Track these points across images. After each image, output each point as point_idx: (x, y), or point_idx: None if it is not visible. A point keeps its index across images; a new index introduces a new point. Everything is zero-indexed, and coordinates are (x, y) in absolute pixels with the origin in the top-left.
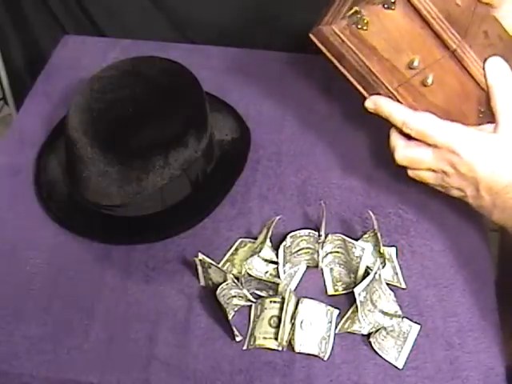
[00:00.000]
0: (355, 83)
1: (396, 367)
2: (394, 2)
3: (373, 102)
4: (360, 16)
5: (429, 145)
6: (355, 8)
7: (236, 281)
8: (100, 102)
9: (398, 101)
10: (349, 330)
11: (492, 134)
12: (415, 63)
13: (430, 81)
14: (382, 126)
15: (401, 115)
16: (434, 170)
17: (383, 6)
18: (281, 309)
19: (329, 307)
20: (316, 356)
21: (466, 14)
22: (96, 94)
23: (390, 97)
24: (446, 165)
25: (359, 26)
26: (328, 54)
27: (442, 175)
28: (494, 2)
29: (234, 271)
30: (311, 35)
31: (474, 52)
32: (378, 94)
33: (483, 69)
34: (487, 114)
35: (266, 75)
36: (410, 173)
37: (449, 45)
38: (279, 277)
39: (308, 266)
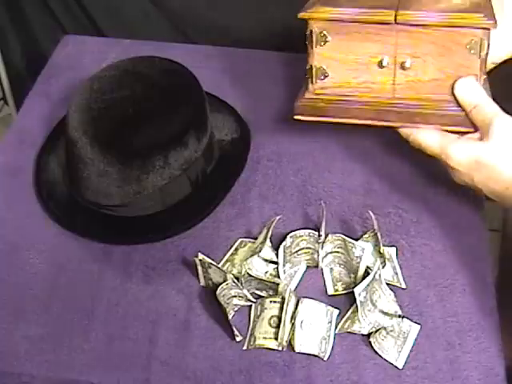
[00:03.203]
0: (364, 122)
1: (396, 367)
2: (324, 35)
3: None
4: (315, 68)
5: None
6: (309, 64)
7: (236, 281)
8: (100, 101)
9: (407, 104)
10: (349, 330)
11: (483, 143)
12: (384, 62)
13: (408, 64)
14: (381, 127)
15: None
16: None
17: (320, 45)
18: (281, 309)
19: (329, 307)
20: (316, 356)
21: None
22: (96, 94)
23: (395, 107)
24: (450, 169)
25: (322, 77)
26: (319, 119)
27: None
28: None
29: (234, 271)
30: (296, 117)
31: (415, 9)
32: (388, 113)
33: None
34: (475, 45)
35: (266, 75)
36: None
37: (387, 20)
38: (279, 277)
39: (308, 266)
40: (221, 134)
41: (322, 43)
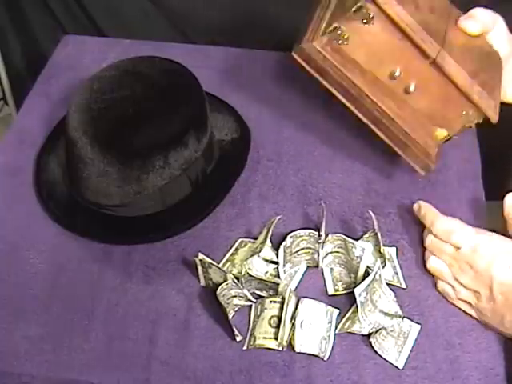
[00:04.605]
0: (340, 97)
1: (396, 367)
2: (372, 17)
3: (418, 206)
4: (340, 32)
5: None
6: (335, 24)
7: (236, 281)
8: (100, 102)
9: (383, 110)
10: (349, 331)
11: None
12: (396, 73)
13: (412, 89)
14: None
15: (430, 217)
16: (451, 264)
17: (362, 21)
18: (281, 309)
19: (329, 307)
20: (316, 356)
21: (441, 21)
22: (96, 94)
23: (375, 108)
24: (464, 263)
25: (340, 42)
26: (311, 71)
27: (458, 272)
28: (483, 32)
29: (234, 271)
30: (294, 54)
31: (453, 58)
32: (363, 106)
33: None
34: (469, 117)
35: (266, 75)
36: (431, 260)
37: (428, 54)
38: (279, 277)
39: (308, 266)
40: (221, 134)
41: (365, 21)
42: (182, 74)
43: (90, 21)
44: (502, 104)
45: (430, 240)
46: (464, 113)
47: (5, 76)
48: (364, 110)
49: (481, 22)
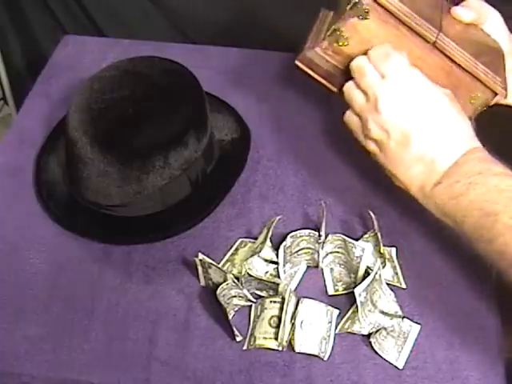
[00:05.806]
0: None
1: (396, 367)
2: (367, 12)
3: None
4: (339, 33)
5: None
6: (333, 27)
7: (236, 281)
8: (100, 102)
9: None
10: (349, 331)
11: None
12: None
13: None
14: None
15: None
16: (366, 94)
17: (358, 17)
18: (281, 309)
19: (329, 307)
20: (316, 356)
21: (436, 10)
22: (96, 94)
23: None
24: (385, 97)
25: (340, 43)
26: (316, 76)
27: (375, 105)
28: (478, 21)
29: (234, 271)
30: (297, 62)
31: (453, 40)
32: None
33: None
34: (479, 99)
35: (266, 75)
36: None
37: (428, 38)
38: (279, 277)
39: (308, 266)
40: (221, 134)
41: (361, 17)
42: (182, 74)
43: (90, 21)
44: (503, 106)
45: (358, 60)
46: (473, 95)
47: (5, 76)
48: None
49: (474, 9)
